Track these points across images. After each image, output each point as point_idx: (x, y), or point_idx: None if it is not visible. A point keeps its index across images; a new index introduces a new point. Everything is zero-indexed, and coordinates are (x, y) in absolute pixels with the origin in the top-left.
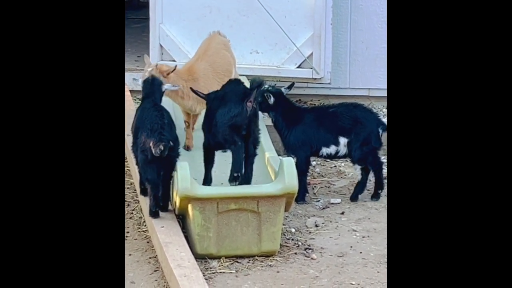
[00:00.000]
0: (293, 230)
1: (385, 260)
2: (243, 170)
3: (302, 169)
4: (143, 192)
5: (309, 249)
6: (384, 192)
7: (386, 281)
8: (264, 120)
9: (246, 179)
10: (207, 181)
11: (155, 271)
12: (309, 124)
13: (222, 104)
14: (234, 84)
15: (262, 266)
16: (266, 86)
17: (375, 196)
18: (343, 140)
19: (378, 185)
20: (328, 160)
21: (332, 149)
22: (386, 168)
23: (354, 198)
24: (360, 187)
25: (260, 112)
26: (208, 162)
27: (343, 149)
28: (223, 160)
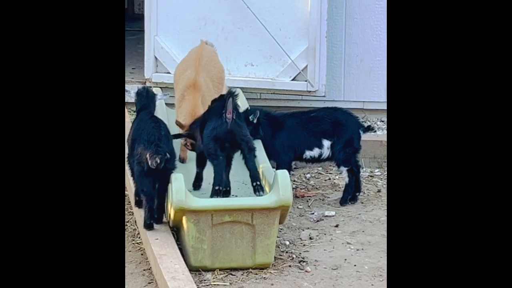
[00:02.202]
0: (287, 242)
1: (380, 273)
2: (225, 184)
3: None
4: (138, 203)
5: (303, 261)
6: (379, 200)
7: None
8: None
9: (253, 177)
10: (198, 180)
11: (149, 283)
12: (293, 129)
13: (207, 121)
14: (218, 99)
15: (256, 279)
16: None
17: (353, 199)
18: (326, 143)
19: (357, 188)
20: (310, 163)
21: (315, 152)
22: (386, 180)
23: (343, 202)
24: (348, 189)
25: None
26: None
27: (326, 152)
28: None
